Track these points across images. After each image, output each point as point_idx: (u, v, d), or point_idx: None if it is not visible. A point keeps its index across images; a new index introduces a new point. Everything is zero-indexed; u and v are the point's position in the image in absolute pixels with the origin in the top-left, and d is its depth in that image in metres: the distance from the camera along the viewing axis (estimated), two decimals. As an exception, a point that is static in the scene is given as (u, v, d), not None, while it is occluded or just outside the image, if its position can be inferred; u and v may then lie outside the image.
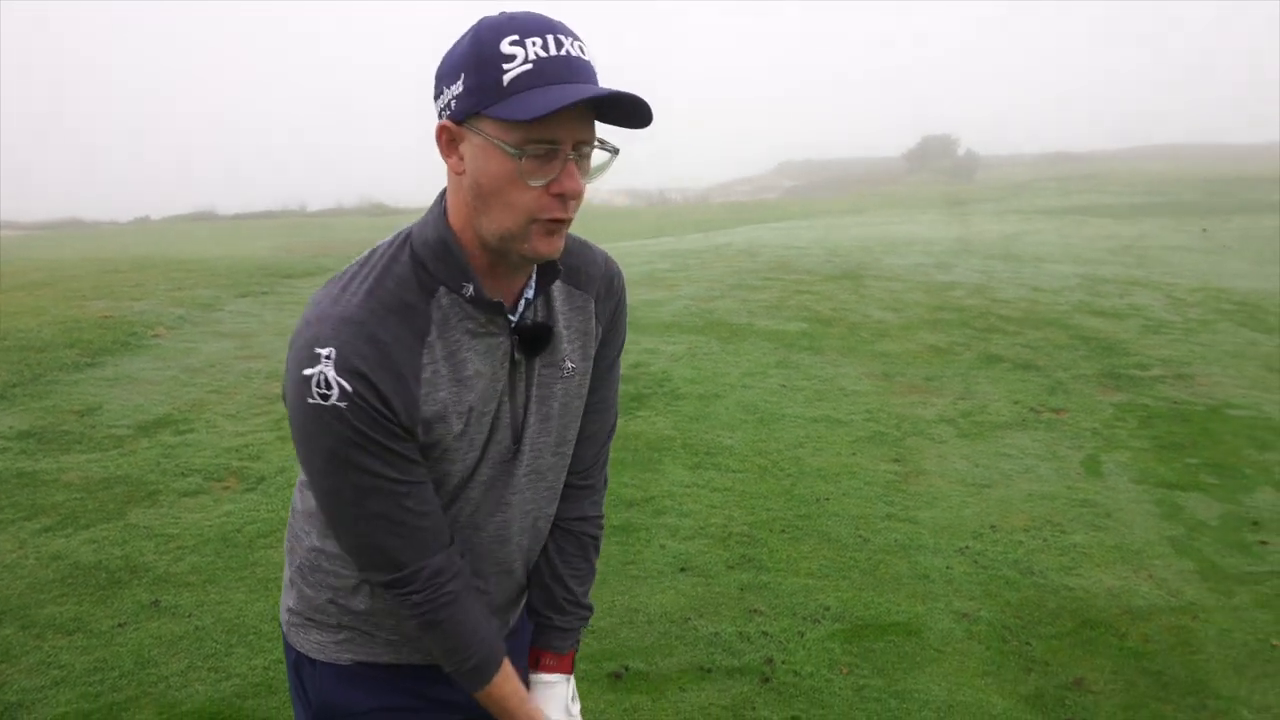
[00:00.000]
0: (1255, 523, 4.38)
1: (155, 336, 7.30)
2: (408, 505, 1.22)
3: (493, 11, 1.16)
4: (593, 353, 1.39)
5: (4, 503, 4.28)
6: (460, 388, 1.23)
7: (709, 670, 3.09)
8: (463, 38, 1.15)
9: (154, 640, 3.22)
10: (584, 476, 1.47)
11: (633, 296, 7.48)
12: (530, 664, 1.47)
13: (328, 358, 1.14)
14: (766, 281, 9.88)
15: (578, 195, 1.15)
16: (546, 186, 1.13)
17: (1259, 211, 22.86)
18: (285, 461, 4.83)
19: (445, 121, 1.16)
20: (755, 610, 3.48)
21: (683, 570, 3.79)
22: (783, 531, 4.17)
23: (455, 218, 1.21)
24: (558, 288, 1.33)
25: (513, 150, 1.11)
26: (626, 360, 6.31)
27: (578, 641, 1.49)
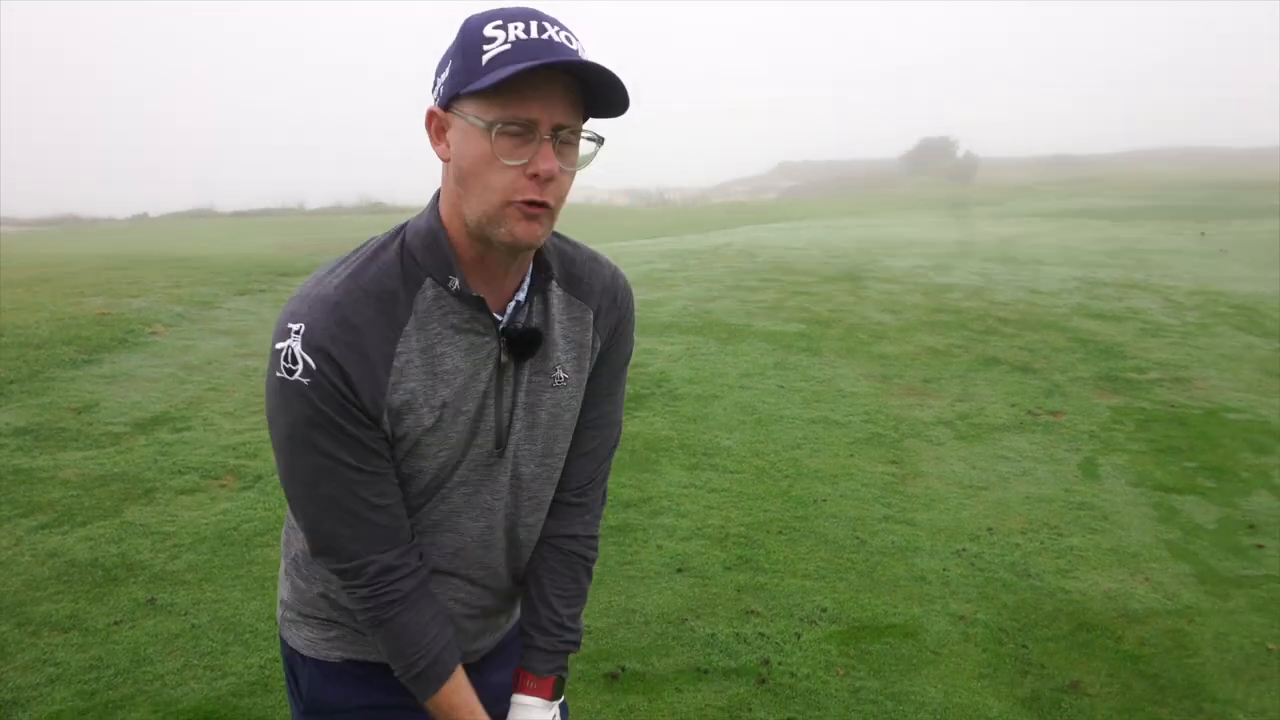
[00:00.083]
0: (1251, 526, 4.38)
1: (153, 334, 7.29)
2: (361, 494, 1.21)
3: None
4: (588, 366, 1.36)
5: (0, 499, 4.28)
6: (434, 381, 1.22)
7: (705, 671, 3.09)
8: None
9: (150, 638, 3.21)
10: (579, 494, 1.43)
11: (631, 297, 7.47)
12: (513, 683, 1.43)
13: (297, 333, 1.15)
14: (765, 282, 9.88)
15: (553, 177, 1.14)
16: (523, 168, 1.13)
17: (1258, 215, 22.87)
18: (282, 460, 4.83)
19: (433, 107, 1.18)
20: (752, 611, 3.48)
21: (680, 571, 3.79)
22: (780, 533, 4.17)
23: (445, 207, 1.22)
24: (557, 295, 1.31)
25: (484, 124, 1.11)
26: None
27: (563, 669, 1.43)
